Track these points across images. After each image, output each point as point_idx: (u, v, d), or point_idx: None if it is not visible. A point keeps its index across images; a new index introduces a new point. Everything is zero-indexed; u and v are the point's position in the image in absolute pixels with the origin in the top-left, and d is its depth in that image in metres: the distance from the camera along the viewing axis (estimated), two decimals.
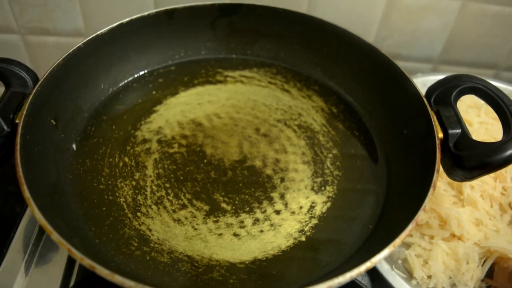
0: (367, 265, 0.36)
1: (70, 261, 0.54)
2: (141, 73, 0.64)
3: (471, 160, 0.45)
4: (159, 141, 0.56)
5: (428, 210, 0.56)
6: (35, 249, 0.55)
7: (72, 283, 0.52)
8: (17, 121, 0.47)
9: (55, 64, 0.52)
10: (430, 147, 0.47)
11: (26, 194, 0.39)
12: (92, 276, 0.49)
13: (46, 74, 0.50)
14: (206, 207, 0.50)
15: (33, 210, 0.38)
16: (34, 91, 0.48)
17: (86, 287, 0.49)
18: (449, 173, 0.49)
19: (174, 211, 0.49)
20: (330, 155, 0.56)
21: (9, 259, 0.55)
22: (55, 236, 0.37)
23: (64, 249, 0.36)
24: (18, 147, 0.43)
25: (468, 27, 0.78)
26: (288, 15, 0.64)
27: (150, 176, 0.52)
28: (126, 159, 0.54)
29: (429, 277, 0.53)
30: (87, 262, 0.35)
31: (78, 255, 0.35)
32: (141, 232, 0.47)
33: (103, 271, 0.35)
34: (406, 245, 0.55)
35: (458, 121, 0.49)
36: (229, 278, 0.44)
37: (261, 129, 0.59)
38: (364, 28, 0.78)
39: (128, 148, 0.55)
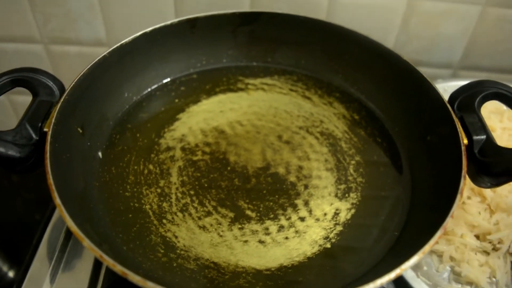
0: (397, 272, 0.36)
1: (96, 268, 0.55)
2: (164, 81, 0.65)
3: (497, 166, 0.45)
4: (183, 149, 0.57)
5: (455, 217, 0.56)
6: (62, 256, 0.56)
7: None
8: (45, 129, 0.47)
9: (82, 73, 0.53)
10: (455, 154, 0.47)
11: (57, 201, 0.40)
12: (118, 283, 0.50)
13: (73, 83, 0.51)
14: (231, 214, 0.50)
15: (64, 217, 0.39)
16: (62, 99, 0.49)
17: None
18: (475, 180, 0.48)
19: (199, 218, 0.49)
20: (353, 162, 0.56)
21: (35, 267, 0.56)
22: (86, 243, 0.37)
23: (96, 256, 0.37)
24: (47, 155, 0.44)
25: (488, 32, 0.78)
26: (308, 23, 0.64)
27: (175, 184, 0.53)
28: (151, 167, 0.54)
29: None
30: (119, 268, 0.36)
31: (110, 262, 0.36)
32: (167, 239, 0.47)
33: (135, 278, 0.35)
34: (431, 252, 0.55)
35: (483, 127, 0.49)
36: (255, 285, 0.44)
37: (283, 136, 0.59)
38: (383, 35, 0.78)
39: (152, 155, 0.56)
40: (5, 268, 0.64)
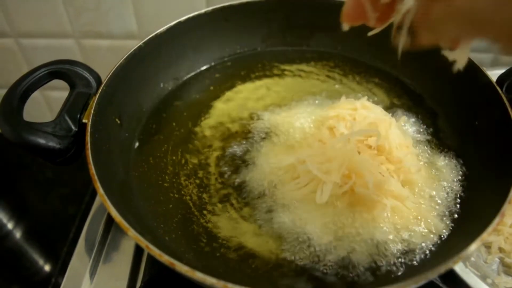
0: (455, 259, 0.34)
1: (136, 261, 0.54)
2: (199, 70, 0.64)
3: None
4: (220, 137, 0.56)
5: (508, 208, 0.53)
6: (101, 249, 0.56)
7: (139, 283, 0.52)
8: (84, 120, 0.47)
9: (118, 63, 0.52)
10: (507, 137, 0.45)
11: (100, 191, 0.39)
12: (160, 275, 0.49)
13: (110, 73, 0.51)
14: None
15: (108, 207, 0.38)
16: (100, 90, 0.49)
17: (155, 286, 0.49)
18: None
19: (240, 208, 0.48)
20: None
21: (75, 261, 0.56)
22: (131, 232, 0.37)
23: (142, 246, 0.36)
24: (89, 145, 0.43)
25: None
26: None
27: (214, 174, 0.52)
28: (188, 156, 0.53)
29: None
30: (166, 258, 0.35)
31: (156, 252, 0.35)
32: (209, 229, 0.47)
33: (182, 268, 0.34)
34: None
35: None
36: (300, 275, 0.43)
37: None
38: None
39: (189, 145, 0.55)
40: (41, 262, 0.64)
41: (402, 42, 0.32)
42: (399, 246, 0.44)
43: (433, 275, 0.33)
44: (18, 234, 0.68)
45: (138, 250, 0.55)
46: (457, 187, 0.49)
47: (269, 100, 0.61)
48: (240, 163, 0.53)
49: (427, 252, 0.44)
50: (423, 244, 0.44)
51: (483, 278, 0.50)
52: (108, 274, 0.54)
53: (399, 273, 0.42)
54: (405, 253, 0.44)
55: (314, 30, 0.66)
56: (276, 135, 0.55)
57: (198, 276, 0.33)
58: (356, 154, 0.45)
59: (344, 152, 0.45)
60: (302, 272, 0.43)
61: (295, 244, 0.45)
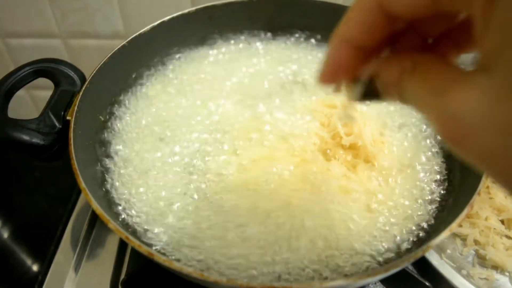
0: (423, 248, 0.36)
1: (120, 256, 0.55)
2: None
3: None
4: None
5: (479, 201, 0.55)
6: (86, 244, 0.57)
7: (122, 277, 0.53)
8: (68, 117, 0.48)
9: (102, 62, 0.53)
10: None
11: (82, 185, 0.40)
12: (143, 268, 0.50)
13: (94, 71, 0.52)
14: None
15: (89, 200, 0.39)
16: (83, 88, 0.49)
17: (138, 280, 0.49)
18: None
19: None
20: None
21: (59, 256, 0.57)
22: (112, 224, 0.37)
23: (122, 237, 0.37)
24: (71, 141, 0.44)
25: None
26: (326, 7, 0.63)
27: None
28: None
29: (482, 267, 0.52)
30: (145, 249, 0.36)
31: (136, 243, 0.36)
32: None
33: (160, 258, 0.35)
34: (455, 235, 0.55)
35: None
36: None
37: None
38: None
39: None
40: (27, 261, 0.65)
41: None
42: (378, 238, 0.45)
43: (403, 263, 0.35)
44: (5, 234, 0.68)
45: (122, 247, 0.56)
46: (438, 182, 0.50)
47: None
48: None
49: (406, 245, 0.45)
50: (398, 238, 0.45)
51: (459, 269, 0.51)
52: (92, 269, 0.54)
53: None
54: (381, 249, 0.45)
55: (296, 30, 0.67)
56: None
57: (176, 266, 0.34)
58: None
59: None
60: None
61: None
